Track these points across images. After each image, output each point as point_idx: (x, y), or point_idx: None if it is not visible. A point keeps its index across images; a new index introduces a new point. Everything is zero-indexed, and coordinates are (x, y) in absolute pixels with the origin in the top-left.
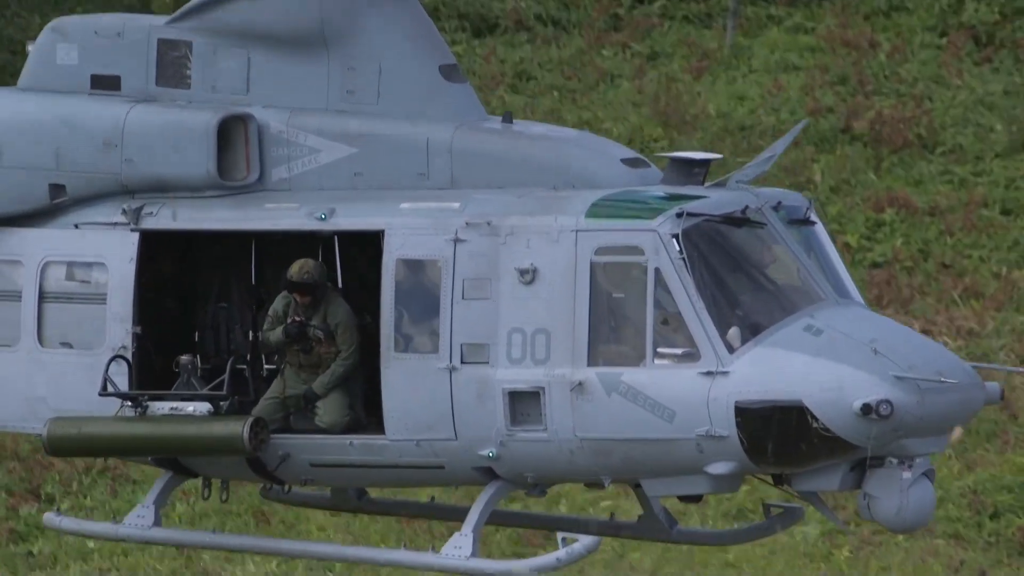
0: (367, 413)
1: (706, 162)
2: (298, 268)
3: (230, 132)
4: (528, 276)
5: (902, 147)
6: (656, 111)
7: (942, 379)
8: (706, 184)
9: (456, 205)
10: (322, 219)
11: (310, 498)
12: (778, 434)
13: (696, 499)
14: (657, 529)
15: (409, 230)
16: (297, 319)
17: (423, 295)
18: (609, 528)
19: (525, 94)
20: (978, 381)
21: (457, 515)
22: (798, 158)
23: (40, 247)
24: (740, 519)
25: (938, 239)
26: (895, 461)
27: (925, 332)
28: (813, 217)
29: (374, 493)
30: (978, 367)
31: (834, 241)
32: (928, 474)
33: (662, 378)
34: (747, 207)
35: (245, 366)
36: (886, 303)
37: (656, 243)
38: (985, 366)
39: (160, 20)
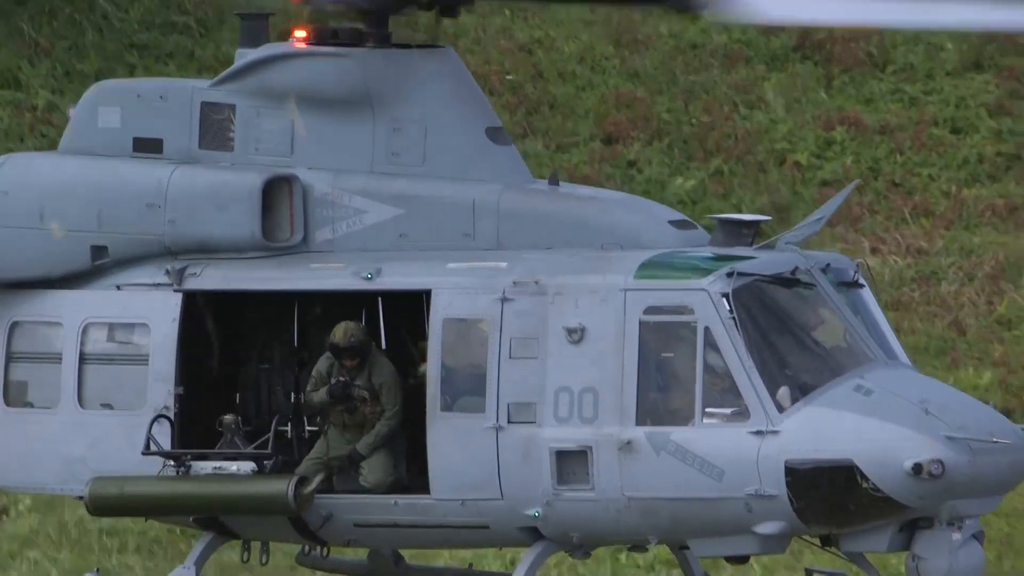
0: (411, 472)
1: (755, 223)
2: (343, 332)
3: (274, 193)
4: (576, 335)
5: (853, 66)
6: (608, 31)
7: (995, 439)
8: (755, 246)
9: (504, 265)
10: (368, 279)
11: (345, 564)
12: (828, 493)
13: (743, 560)
14: None
15: (456, 289)
16: (342, 379)
17: (470, 354)
18: None
19: (477, 13)
20: None
21: None
22: (748, 75)
23: (81, 308)
24: None
25: (888, 157)
26: (945, 523)
27: (875, 250)
28: (861, 280)
29: (410, 558)
30: None
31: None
32: (978, 536)
33: (711, 437)
34: (797, 268)
35: (287, 427)
36: (835, 222)
37: (706, 302)
38: None
39: (203, 83)
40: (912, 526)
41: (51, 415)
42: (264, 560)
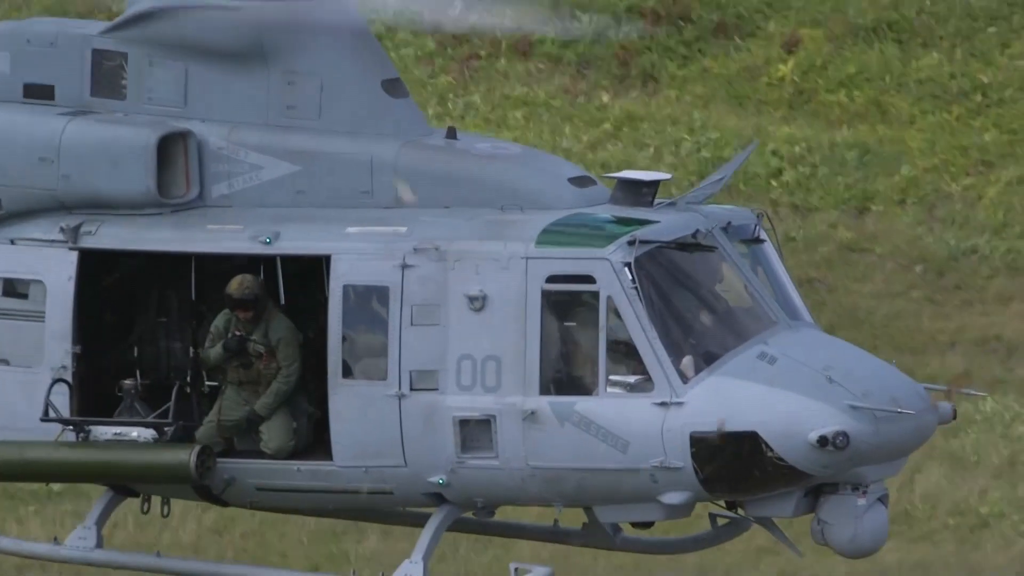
0: (315, 434)
1: (655, 183)
2: (238, 284)
3: (169, 148)
4: (478, 303)
5: None
6: None
7: (899, 410)
8: (655, 205)
9: (403, 230)
10: (267, 243)
11: (560, 534)
12: (733, 464)
13: (648, 525)
14: (601, 537)
15: (356, 255)
16: (237, 333)
17: (371, 321)
18: (553, 536)
19: None
20: (931, 405)
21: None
22: None
23: None
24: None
25: None
26: (850, 488)
27: None
28: (762, 235)
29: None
30: (931, 388)
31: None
32: (882, 499)
33: (616, 408)
34: (698, 231)
35: (186, 383)
36: None
37: (608, 271)
38: (937, 387)
39: (95, 28)
40: (817, 491)
41: None
42: (165, 512)
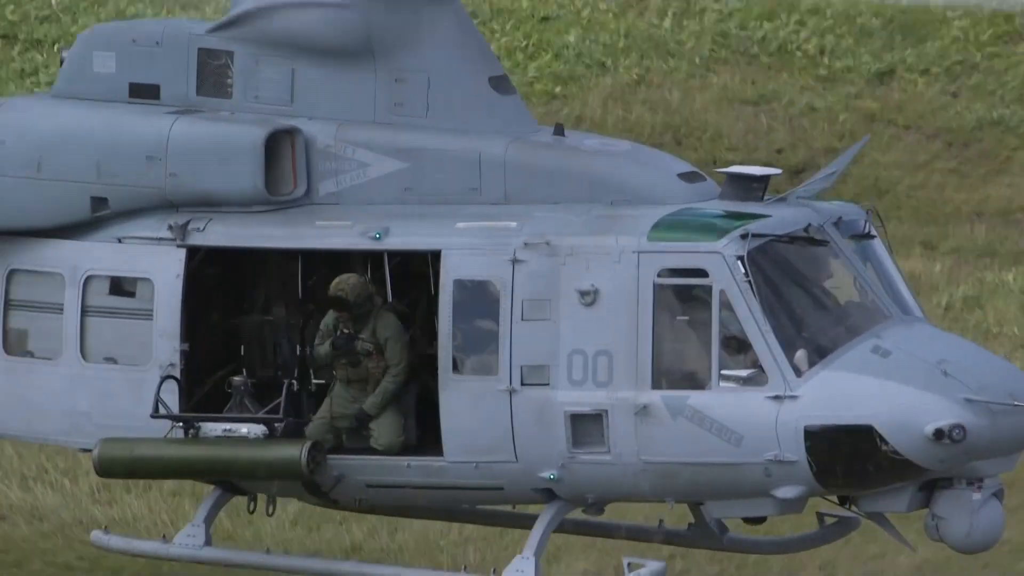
0: (421, 431)
1: (765, 177)
2: (335, 284)
3: (277, 146)
4: (589, 297)
5: None
6: None
7: (1016, 403)
8: (766, 200)
9: (514, 225)
10: (376, 238)
11: (659, 533)
12: (848, 458)
13: (760, 520)
14: (708, 537)
15: (466, 250)
16: (345, 331)
17: (481, 316)
18: (659, 536)
19: None
20: None
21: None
22: None
23: (82, 260)
24: (792, 526)
25: None
26: (965, 482)
27: None
28: (872, 231)
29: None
30: None
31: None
32: (997, 494)
33: (729, 402)
34: (810, 225)
35: (293, 381)
36: None
37: (721, 265)
38: None
39: (200, 27)
40: (931, 486)
41: (52, 366)
42: (271, 511)
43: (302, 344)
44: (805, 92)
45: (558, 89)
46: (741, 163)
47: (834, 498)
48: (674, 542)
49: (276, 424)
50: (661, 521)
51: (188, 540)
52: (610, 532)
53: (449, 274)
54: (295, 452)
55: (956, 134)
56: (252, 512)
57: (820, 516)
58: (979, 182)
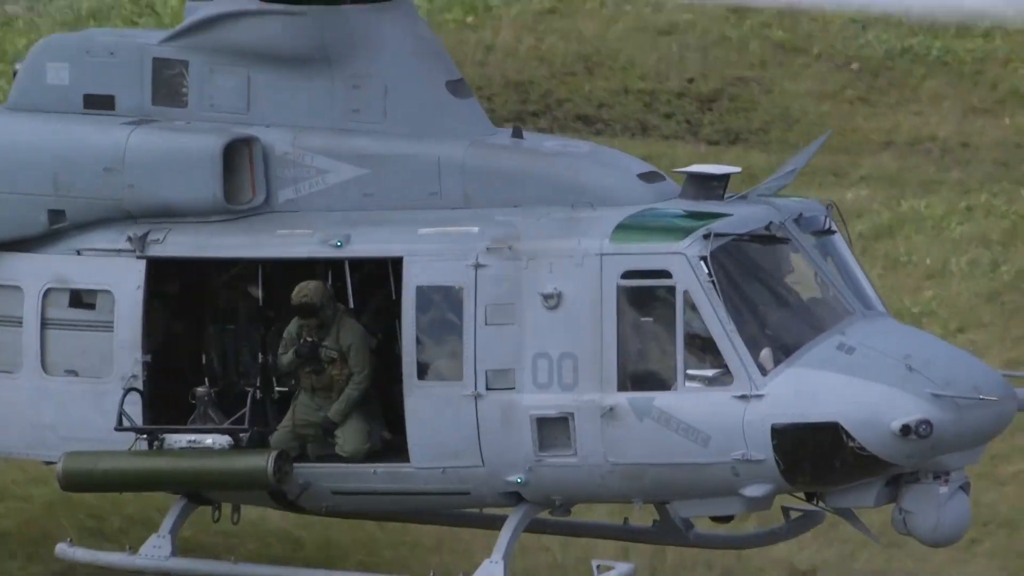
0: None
1: (725, 176)
2: (297, 291)
3: (235, 154)
4: (552, 300)
5: None
6: None
7: (981, 396)
8: (726, 198)
9: (476, 229)
10: (338, 246)
11: (630, 532)
12: (815, 455)
13: (728, 519)
14: (674, 534)
15: (429, 256)
16: (309, 339)
17: (445, 321)
18: (624, 534)
19: None
20: (1012, 392)
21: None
22: None
23: (41, 273)
24: (757, 521)
25: None
26: (931, 476)
27: None
28: (832, 227)
29: None
30: (1009, 376)
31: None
32: (964, 487)
33: (695, 402)
34: (771, 223)
35: (256, 389)
36: None
37: (684, 266)
38: (1016, 374)
39: (154, 37)
40: (898, 480)
41: (13, 380)
42: (235, 520)
43: (263, 352)
44: (717, 22)
45: (470, 19)
46: (652, 92)
47: (801, 494)
48: (639, 539)
49: (241, 434)
50: (626, 519)
51: (154, 551)
52: (574, 531)
53: (412, 280)
54: (261, 462)
55: (866, 63)
56: (217, 521)
57: (785, 511)
58: (889, 111)
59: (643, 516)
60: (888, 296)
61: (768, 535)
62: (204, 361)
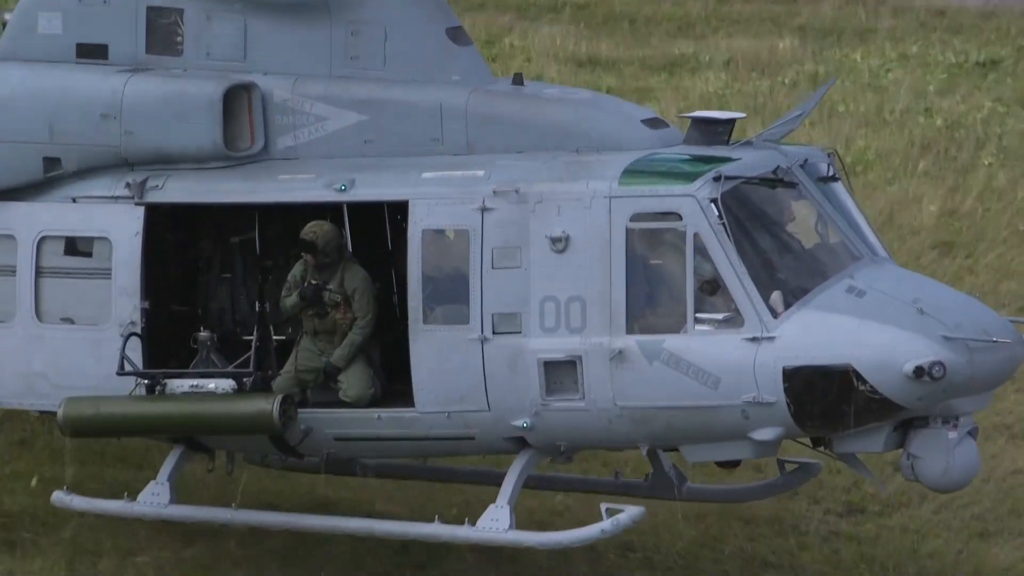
0: (388, 383)
1: (731, 121)
2: (307, 227)
3: (233, 101)
4: (560, 244)
5: None
6: None
7: (993, 339)
8: (731, 144)
9: (481, 173)
10: (342, 190)
11: (621, 486)
12: (826, 398)
13: (735, 464)
14: (667, 487)
15: (434, 200)
16: (313, 282)
17: (451, 265)
18: (616, 488)
19: None
20: (1020, 336)
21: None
22: None
23: (35, 221)
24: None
25: None
26: (940, 421)
27: None
28: (835, 173)
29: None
30: (1016, 321)
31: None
32: (972, 432)
33: (706, 344)
34: (779, 167)
35: (253, 337)
36: None
37: (694, 208)
38: (1020, 320)
39: None
40: (906, 425)
41: (6, 328)
42: (230, 470)
43: (261, 300)
44: None
45: None
46: None
47: (802, 442)
48: (631, 494)
49: (244, 379)
50: (617, 473)
51: (152, 499)
52: (565, 487)
53: (417, 224)
54: (266, 406)
55: None
56: (211, 471)
57: (780, 463)
58: None
59: (635, 470)
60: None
61: (763, 488)
62: (201, 309)
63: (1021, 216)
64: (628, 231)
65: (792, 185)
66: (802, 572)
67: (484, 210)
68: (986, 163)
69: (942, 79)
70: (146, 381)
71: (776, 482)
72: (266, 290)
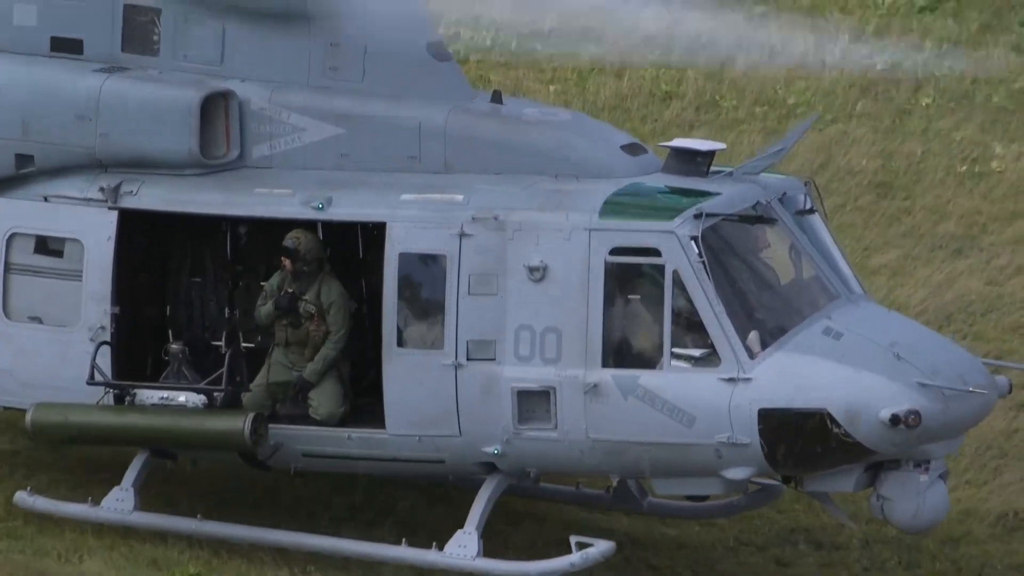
0: (357, 399)
1: (710, 153)
2: (291, 233)
3: (210, 108)
4: (538, 274)
5: None
6: None
7: (969, 389)
8: (711, 175)
9: (460, 198)
10: (319, 208)
11: (583, 497)
12: (801, 441)
13: (703, 498)
14: (628, 501)
15: (413, 223)
16: (289, 291)
17: (427, 289)
18: (577, 498)
19: None
20: (993, 381)
21: None
22: None
23: (5, 217)
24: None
25: None
26: (912, 464)
27: None
28: (811, 205)
29: None
30: (988, 364)
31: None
32: (943, 476)
33: (681, 382)
34: (758, 203)
35: (221, 343)
36: None
37: (674, 245)
38: (996, 363)
39: None
40: (877, 466)
41: None
42: (193, 462)
43: (231, 306)
44: None
45: None
46: None
47: (777, 478)
48: (592, 505)
49: (215, 394)
50: (578, 484)
51: (117, 505)
52: (527, 494)
53: (394, 247)
54: (238, 424)
55: None
56: (171, 468)
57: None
58: None
59: (597, 482)
60: (762, 87)
61: (725, 507)
62: (169, 313)
63: (959, 158)
64: (607, 264)
65: (772, 221)
66: None
67: (462, 235)
68: (924, 104)
69: (882, 18)
70: (113, 391)
71: (738, 502)
72: (235, 295)
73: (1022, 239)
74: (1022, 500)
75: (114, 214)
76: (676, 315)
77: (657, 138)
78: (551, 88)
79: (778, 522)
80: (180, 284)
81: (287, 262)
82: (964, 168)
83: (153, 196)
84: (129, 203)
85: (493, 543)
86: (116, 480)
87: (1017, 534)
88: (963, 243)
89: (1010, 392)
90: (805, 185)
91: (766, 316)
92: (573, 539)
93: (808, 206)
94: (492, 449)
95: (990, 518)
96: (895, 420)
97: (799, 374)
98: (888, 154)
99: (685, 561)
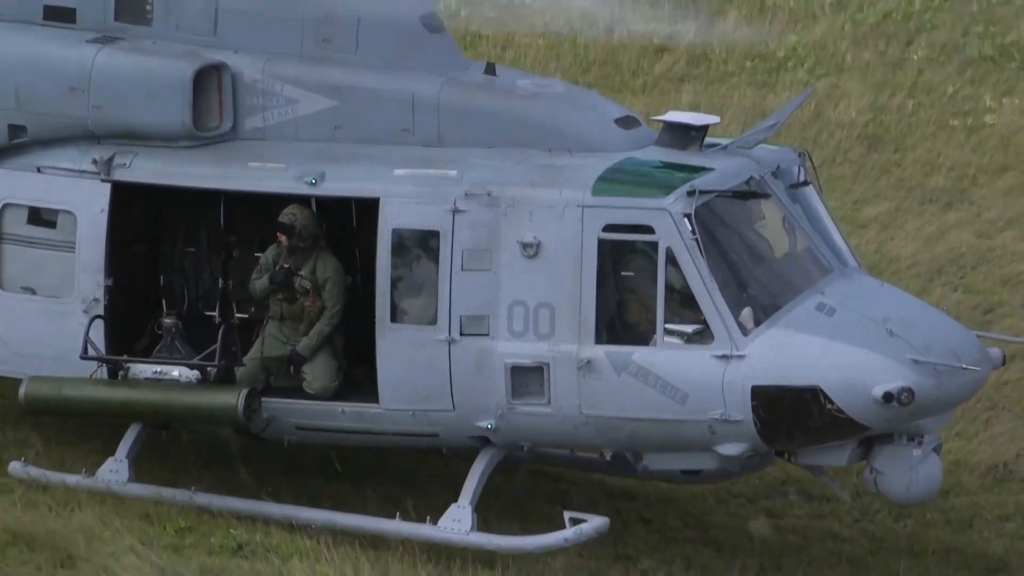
0: (350, 374)
1: (704, 127)
2: (288, 208)
3: (203, 80)
4: (531, 250)
5: None
6: None
7: (963, 365)
8: (704, 149)
9: (454, 173)
10: (312, 184)
11: (579, 460)
12: (794, 417)
13: (695, 473)
14: (622, 466)
15: (406, 198)
16: (285, 266)
17: (421, 265)
18: (573, 462)
19: None
20: (987, 355)
21: None
22: None
23: None
24: None
25: None
26: (905, 438)
27: None
28: (805, 177)
29: None
30: (982, 336)
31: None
32: (936, 449)
33: (674, 359)
34: (752, 178)
35: (215, 313)
36: None
37: (668, 222)
38: (989, 335)
39: None
40: (871, 440)
41: None
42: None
43: (224, 277)
44: None
45: None
46: None
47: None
48: (587, 469)
49: (209, 369)
50: (572, 448)
51: (111, 476)
52: (520, 459)
53: (388, 222)
54: (231, 400)
55: None
56: (165, 438)
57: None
58: None
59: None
60: (753, 40)
61: (717, 473)
62: (162, 283)
63: (949, 111)
64: (600, 241)
65: (765, 196)
66: None
67: (456, 211)
68: (915, 58)
69: None
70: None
71: (732, 470)
72: (228, 266)
73: (1012, 191)
74: (1012, 451)
75: (107, 187)
76: (669, 292)
77: (648, 91)
78: (540, 41)
79: (769, 473)
80: (174, 254)
81: (283, 237)
82: (956, 122)
83: (146, 169)
84: (122, 175)
85: (485, 516)
86: (110, 450)
87: (1006, 485)
88: (953, 196)
89: (1004, 364)
90: (799, 156)
91: (759, 292)
92: (567, 515)
93: (802, 178)
94: (486, 424)
95: (980, 469)
96: (888, 397)
97: (792, 351)
98: (879, 107)
99: (675, 512)
